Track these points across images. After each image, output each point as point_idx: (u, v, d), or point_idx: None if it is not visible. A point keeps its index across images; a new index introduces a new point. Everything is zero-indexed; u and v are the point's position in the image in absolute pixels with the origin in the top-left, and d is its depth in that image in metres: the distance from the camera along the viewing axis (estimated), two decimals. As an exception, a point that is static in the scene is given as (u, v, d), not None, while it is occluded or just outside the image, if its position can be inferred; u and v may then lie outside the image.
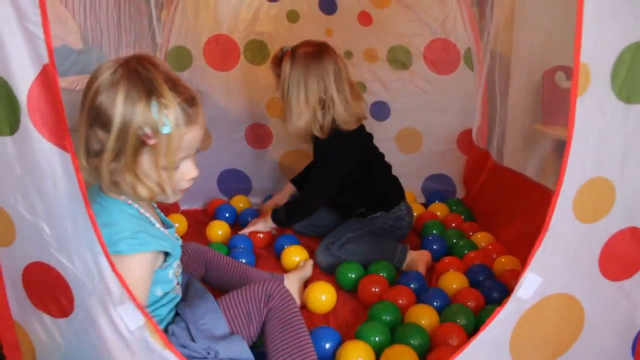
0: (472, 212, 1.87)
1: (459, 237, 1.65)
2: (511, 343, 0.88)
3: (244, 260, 1.52)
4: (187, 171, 0.96)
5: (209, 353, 0.96)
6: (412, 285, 1.36)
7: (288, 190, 1.83)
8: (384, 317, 1.22)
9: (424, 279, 1.41)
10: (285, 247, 1.59)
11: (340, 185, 1.61)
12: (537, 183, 1.55)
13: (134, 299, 0.83)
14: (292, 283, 1.38)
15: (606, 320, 0.94)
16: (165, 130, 0.87)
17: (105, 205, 0.92)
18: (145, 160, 0.89)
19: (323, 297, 1.32)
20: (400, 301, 1.29)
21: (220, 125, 1.97)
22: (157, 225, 0.99)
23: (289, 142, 2.03)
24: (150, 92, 0.86)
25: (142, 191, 0.90)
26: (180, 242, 1.06)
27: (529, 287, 0.86)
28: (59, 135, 0.76)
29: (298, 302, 1.23)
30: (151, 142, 0.87)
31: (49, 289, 0.86)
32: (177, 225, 1.74)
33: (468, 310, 1.22)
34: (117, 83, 0.86)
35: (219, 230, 1.73)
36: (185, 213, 1.89)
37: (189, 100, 0.91)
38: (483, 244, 1.60)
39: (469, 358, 0.88)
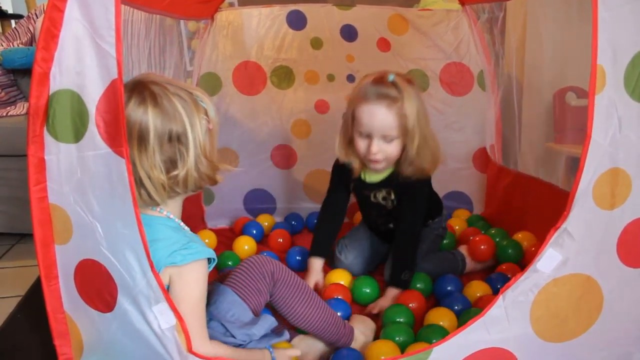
0: (492, 226, 1.91)
1: (502, 237, 1.72)
2: (532, 316, 0.94)
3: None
4: None
5: (248, 341, 1.05)
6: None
7: (319, 267, 1.58)
8: (397, 319, 1.29)
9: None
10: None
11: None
12: (559, 188, 1.60)
13: (168, 299, 0.91)
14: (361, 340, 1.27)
15: (625, 305, 0.98)
16: (212, 111, 1.01)
17: (148, 224, 0.95)
18: (207, 146, 1.00)
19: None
20: (411, 305, 1.37)
21: (247, 146, 2.07)
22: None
23: (313, 162, 2.12)
24: (187, 93, 0.99)
25: (219, 176, 1.03)
26: None
27: (549, 261, 0.92)
28: (118, 142, 0.85)
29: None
30: (210, 126, 1.00)
31: (97, 285, 0.94)
32: (206, 240, 1.84)
33: None
34: (158, 104, 0.95)
35: (245, 245, 1.82)
36: (212, 231, 1.96)
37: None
38: (525, 243, 1.64)
39: (492, 323, 0.94)
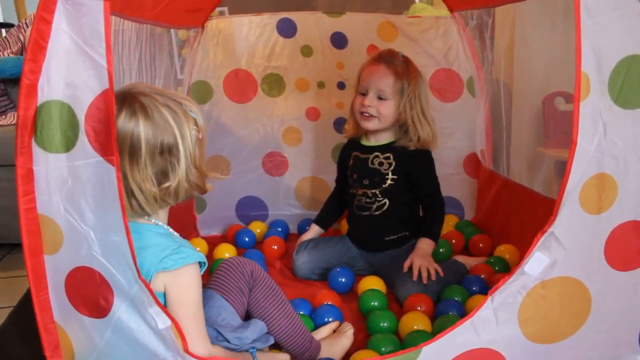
0: (482, 231, 1.93)
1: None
2: (520, 318, 0.95)
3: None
4: None
5: (241, 345, 1.06)
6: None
7: (316, 229, 1.80)
8: (381, 325, 1.30)
9: None
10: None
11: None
12: (546, 197, 1.61)
13: (158, 303, 0.91)
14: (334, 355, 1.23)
15: (613, 307, 0.99)
16: (201, 120, 1.01)
17: (137, 231, 0.97)
18: (197, 155, 1.00)
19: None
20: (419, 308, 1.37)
21: (238, 154, 2.08)
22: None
23: (304, 169, 2.14)
24: (177, 103, 0.98)
25: (208, 185, 1.03)
26: None
27: (536, 264, 0.92)
28: (109, 150, 0.85)
29: None
30: (200, 135, 1.00)
31: (90, 292, 0.94)
32: (198, 248, 1.83)
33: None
34: (149, 117, 0.95)
35: (226, 252, 1.82)
36: (204, 239, 1.97)
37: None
38: (507, 256, 1.67)
39: (480, 324, 0.95)
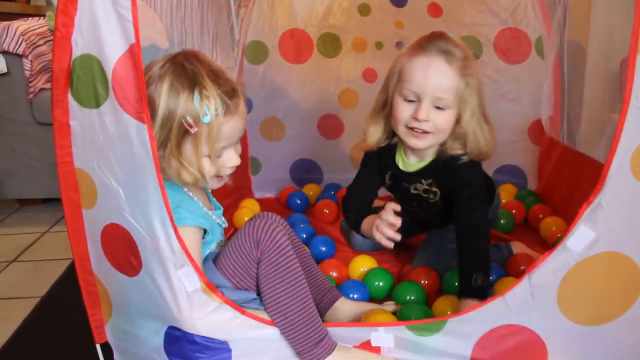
0: (544, 202, 1.83)
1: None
2: (559, 297, 0.88)
3: (304, 236, 1.63)
4: (229, 159, 1.00)
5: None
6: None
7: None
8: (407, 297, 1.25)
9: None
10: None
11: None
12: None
13: (193, 263, 0.91)
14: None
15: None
16: (206, 119, 0.93)
17: None
18: (188, 149, 0.95)
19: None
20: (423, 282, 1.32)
21: (293, 116, 2.06)
22: (201, 204, 1.05)
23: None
24: (193, 83, 0.93)
25: (186, 177, 0.96)
26: (225, 225, 1.12)
27: (580, 239, 0.84)
28: (138, 108, 0.84)
29: None
30: (193, 130, 0.93)
31: (122, 249, 0.95)
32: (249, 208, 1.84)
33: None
34: (163, 75, 0.93)
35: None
36: (258, 201, 1.97)
37: (230, 91, 0.96)
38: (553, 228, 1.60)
39: (515, 304, 0.90)
